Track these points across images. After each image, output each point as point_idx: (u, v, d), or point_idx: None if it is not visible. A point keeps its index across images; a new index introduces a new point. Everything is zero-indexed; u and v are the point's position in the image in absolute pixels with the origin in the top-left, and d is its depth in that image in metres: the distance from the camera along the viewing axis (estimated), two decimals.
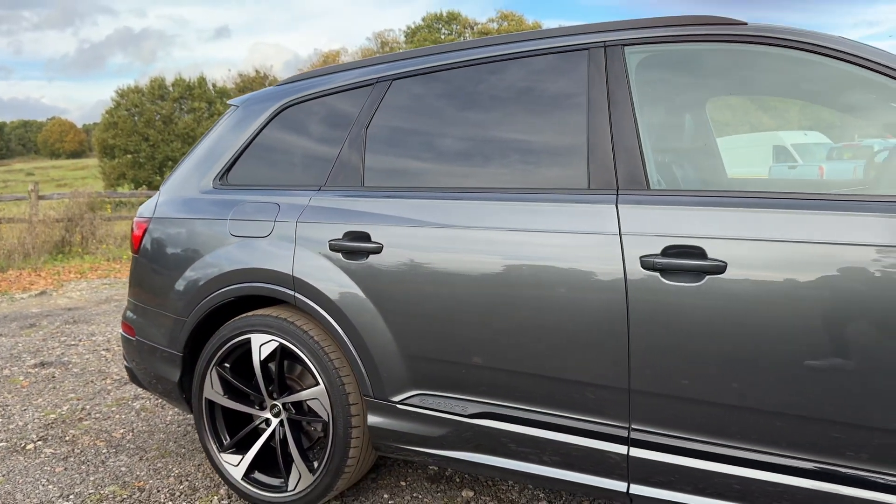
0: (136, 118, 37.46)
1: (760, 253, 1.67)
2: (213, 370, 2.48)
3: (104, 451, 3.02)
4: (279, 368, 2.39)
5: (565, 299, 1.89)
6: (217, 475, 2.63)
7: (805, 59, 1.82)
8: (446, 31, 51.18)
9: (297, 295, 2.29)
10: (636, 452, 1.85)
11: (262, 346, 2.37)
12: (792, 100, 2.34)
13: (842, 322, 1.59)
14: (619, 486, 1.88)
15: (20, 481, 2.71)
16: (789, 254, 1.64)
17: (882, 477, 1.59)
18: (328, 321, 2.25)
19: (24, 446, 3.07)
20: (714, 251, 1.72)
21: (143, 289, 2.75)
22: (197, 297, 2.49)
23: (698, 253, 1.73)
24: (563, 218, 1.94)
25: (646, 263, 1.78)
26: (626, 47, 2.00)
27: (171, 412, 3.49)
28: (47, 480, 2.72)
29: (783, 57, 1.85)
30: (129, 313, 2.83)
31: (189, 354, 2.58)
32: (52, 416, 3.48)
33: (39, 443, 3.11)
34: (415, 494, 2.55)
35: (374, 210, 2.23)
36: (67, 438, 3.16)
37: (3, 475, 2.77)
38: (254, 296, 2.43)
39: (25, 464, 2.88)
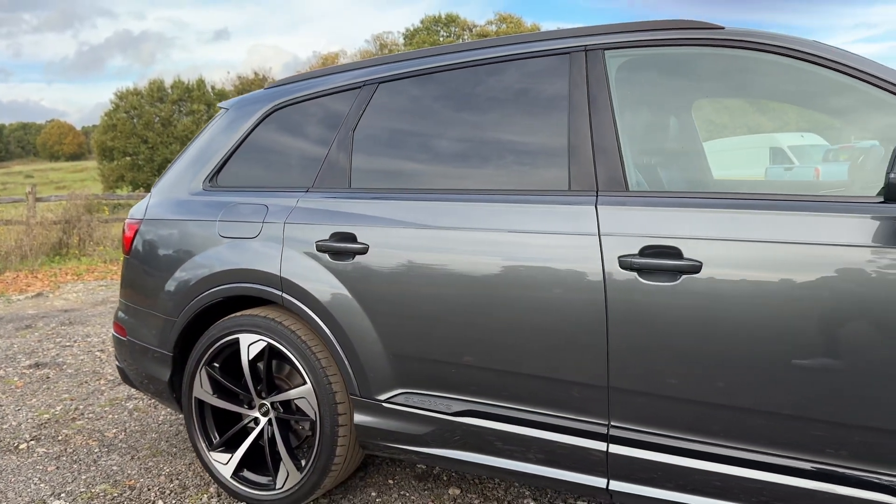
0: (134, 120, 37.53)
1: (735, 253, 1.70)
2: (203, 370, 2.51)
3: (96, 450, 3.04)
4: (267, 368, 2.42)
5: (546, 299, 1.92)
6: (207, 474, 2.66)
7: (780, 63, 1.85)
8: (445, 33, 51.25)
9: (284, 295, 2.32)
10: (615, 449, 1.88)
11: (250, 345, 2.41)
12: (770, 102, 2.38)
13: (814, 320, 1.62)
14: (599, 482, 1.92)
15: (12, 480, 2.74)
16: (763, 253, 1.67)
17: (859, 473, 1.62)
18: (315, 321, 2.28)
19: (17, 446, 3.10)
20: (690, 251, 1.75)
21: (134, 290, 2.78)
22: (187, 297, 2.52)
23: (674, 253, 1.77)
24: (544, 219, 1.97)
25: (624, 263, 1.82)
26: (606, 51, 2.04)
27: (163, 412, 3.51)
28: (39, 479, 2.75)
29: (759, 60, 1.89)
30: (121, 314, 2.86)
31: (179, 354, 2.61)
32: (45, 416, 3.50)
33: (32, 442, 3.14)
34: (402, 492, 2.58)
35: (360, 211, 2.27)
36: (60, 438, 3.19)
37: None
38: (242, 296, 2.46)
39: (18, 463, 2.91)
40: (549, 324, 1.92)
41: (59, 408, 3.63)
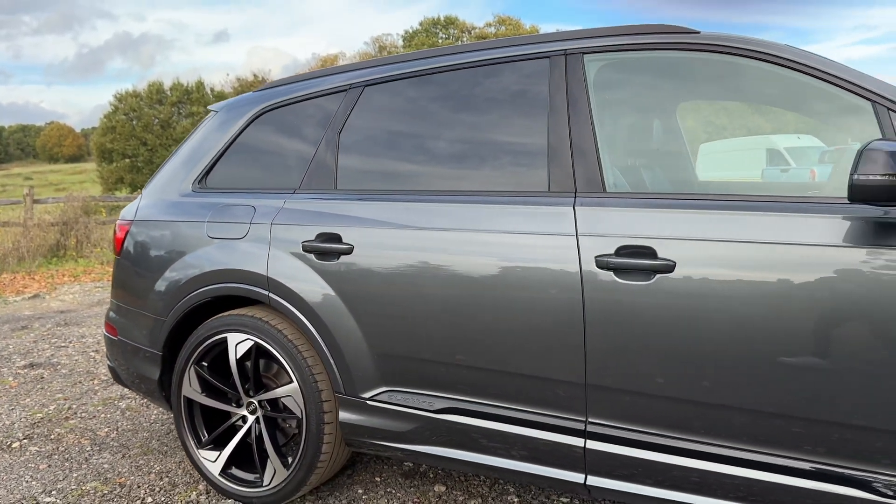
0: (134, 122, 37.56)
1: (707, 252, 1.74)
2: (192, 369, 2.54)
3: (88, 448, 3.08)
4: (255, 367, 2.46)
5: (526, 298, 1.96)
6: (196, 471, 2.69)
7: (753, 66, 1.89)
8: (444, 36, 51.30)
9: (271, 295, 2.36)
10: (593, 445, 1.92)
11: (237, 344, 2.44)
12: (746, 104, 2.42)
13: (784, 317, 1.66)
14: (577, 477, 1.95)
15: (4, 478, 2.78)
16: (735, 253, 1.71)
17: (834, 469, 1.65)
18: (301, 320, 2.32)
19: (10, 444, 3.14)
20: (664, 251, 1.79)
21: (124, 290, 2.82)
22: (175, 297, 2.56)
23: (649, 252, 1.80)
24: (524, 220, 2.01)
25: (600, 263, 1.85)
26: (585, 55, 2.08)
27: (155, 411, 3.55)
28: (31, 477, 2.79)
29: (732, 64, 1.93)
30: (112, 314, 2.90)
31: (169, 354, 2.65)
32: (38, 415, 3.54)
33: (25, 441, 3.18)
34: (388, 489, 2.61)
35: (345, 212, 2.31)
36: (53, 437, 3.23)
37: None
38: (230, 296, 2.50)
39: (10, 461, 2.95)
40: (528, 322, 1.96)
41: (52, 407, 3.67)
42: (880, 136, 1.67)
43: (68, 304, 7.05)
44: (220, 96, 39.76)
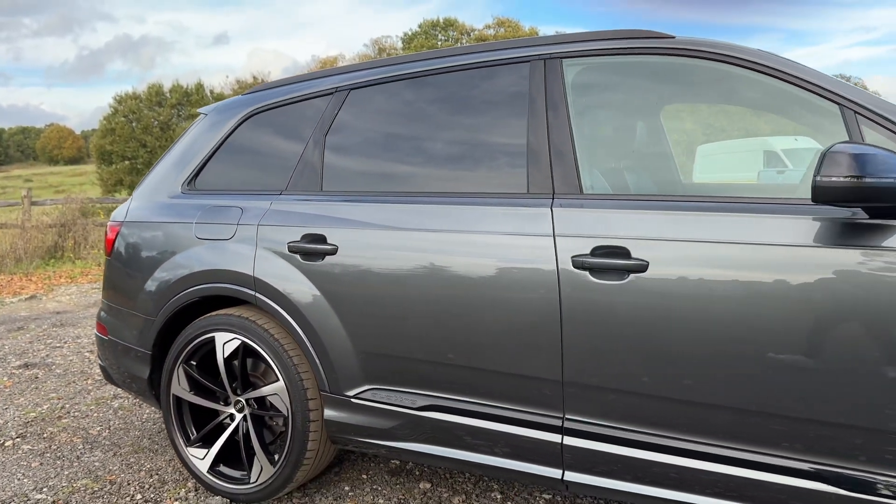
0: (133, 124, 37.64)
1: (679, 252, 1.78)
2: (180, 367, 2.59)
3: (80, 447, 3.12)
4: (242, 365, 2.50)
5: (505, 297, 2.00)
6: (185, 469, 2.73)
7: (724, 70, 1.93)
8: (443, 38, 51.37)
9: (257, 295, 2.40)
10: (570, 441, 1.96)
11: (225, 344, 2.48)
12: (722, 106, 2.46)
13: (753, 315, 1.70)
14: (555, 473, 1.99)
15: None
16: (706, 253, 1.75)
17: (810, 465, 1.68)
18: (287, 320, 2.36)
19: (3, 443, 3.18)
20: (637, 251, 1.83)
21: (115, 290, 2.86)
22: (164, 297, 2.60)
23: (623, 253, 1.85)
24: (504, 220, 2.05)
25: (577, 263, 1.90)
26: (563, 60, 2.13)
27: (147, 411, 3.59)
28: (23, 475, 2.83)
29: (705, 68, 1.97)
30: (103, 314, 2.94)
31: (158, 353, 2.68)
32: (32, 414, 3.58)
33: (18, 439, 3.22)
34: (375, 486, 2.65)
35: (330, 213, 2.35)
36: (45, 435, 3.27)
37: None
38: (218, 296, 2.54)
39: (2, 459, 2.99)
40: (507, 321, 2.00)
41: (45, 406, 3.71)
42: (847, 139, 1.71)
43: (64, 306, 7.09)
44: (219, 98, 39.79)
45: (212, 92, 41.14)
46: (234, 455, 2.56)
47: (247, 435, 2.50)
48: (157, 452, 3.03)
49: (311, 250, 2.32)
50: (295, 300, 2.33)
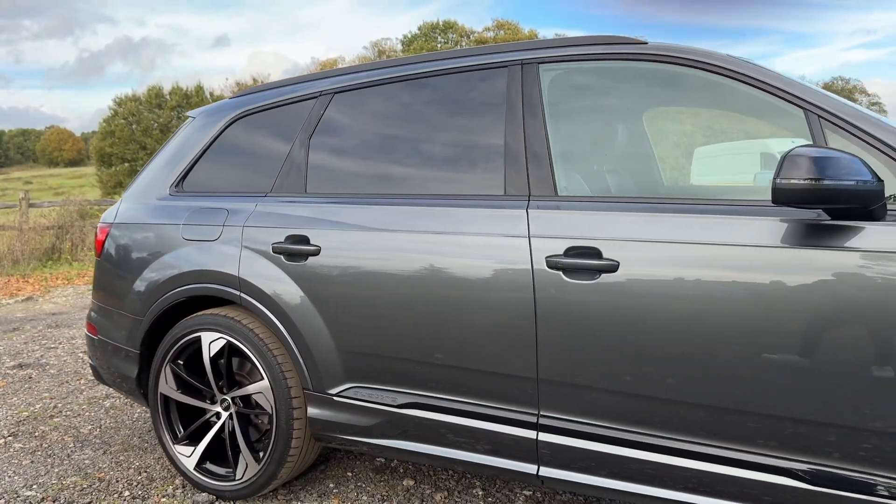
0: (133, 127, 37.75)
1: (647, 253, 1.83)
2: (168, 366, 2.63)
3: (71, 445, 3.16)
4: (227, 365, 2.54)
5: (483, 296, 2.05)
6: (173, 466, 2.77)
7: (695, 76, 1.98)
8: (443, 40, 51.46)
9: (242, 295, 2.45)
10: (545, 437, 2.00)
11: (211, 343, 2.53)
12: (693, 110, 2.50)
13: (721, 314, 1.74)
14: (530, 468, 2.03)
15: None
16: (675, 253, 1.80)
17: (782, 461, 1.72)
18: (271, 320, 2.40)
19: None
20: (608, 252, 1.88)
21: (104, 290, 2.91)
22: (152, 297, 2.65)
23: (594, 253, 1.89)
24: (482, 222, 2.10)
25: (550, 263, 1.94)
26: (540, 65, 2.17)
27: (137, 410, 3.63)
28: (14, 472, 2.87)
29: (676, 74, 2.02)
30: (93, 314, 2.99)
31: (146, 352, 2.73)
32: (24, 413, 3.62)
33: (10, 438, 3.26)
34: (359, 483, 2.70)
35: (313, 215, 2.39)
36: (37, 434, 3.31)
37: None
38: (205, 296, 2.58)
39: None
40: (484, 320, 2.05)
41: (38, 406, 3.75)
42: (810, 142, 1.76)
43: (60, 307, 7.14)
44: (219, 100, 39.87)
45: (212, 94, 41.24)
46: (220, 453, 2.60)
47: (232, 433, 2.54)
48: (147, 451, 3.08)
49: (294, 251, 2.36)
50: (279, 300, 2.38)
